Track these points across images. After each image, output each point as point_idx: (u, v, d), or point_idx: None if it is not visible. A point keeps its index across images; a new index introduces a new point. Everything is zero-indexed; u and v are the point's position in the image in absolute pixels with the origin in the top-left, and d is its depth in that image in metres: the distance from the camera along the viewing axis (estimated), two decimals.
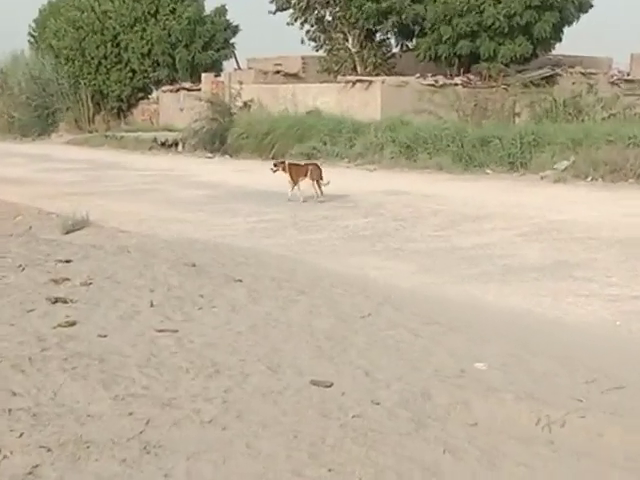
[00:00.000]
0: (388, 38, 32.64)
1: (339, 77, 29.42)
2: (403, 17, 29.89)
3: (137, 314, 7.01)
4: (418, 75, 28.49)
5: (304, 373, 5.57)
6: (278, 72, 33.99)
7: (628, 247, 10.23)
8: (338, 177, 17.84)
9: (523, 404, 5.06)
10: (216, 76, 35.02)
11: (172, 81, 37.66)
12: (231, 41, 38.87)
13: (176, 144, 28.04)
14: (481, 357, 6.05)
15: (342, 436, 4.56)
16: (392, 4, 29.65)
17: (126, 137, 30.81)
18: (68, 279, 8.13)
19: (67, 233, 11.49)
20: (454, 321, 7.14)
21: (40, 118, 37.43)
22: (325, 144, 22.58)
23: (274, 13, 32.74)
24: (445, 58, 29.84)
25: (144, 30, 37.79)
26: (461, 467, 4.37)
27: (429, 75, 28.51)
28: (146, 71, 38.05)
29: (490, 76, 28.55)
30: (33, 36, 43.11)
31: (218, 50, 37.99)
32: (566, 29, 30.61)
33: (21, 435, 4.47)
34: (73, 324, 6.58)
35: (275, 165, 15.08)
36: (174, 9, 37.86)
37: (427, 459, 4.40)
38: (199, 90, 33.05)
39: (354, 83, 27.96)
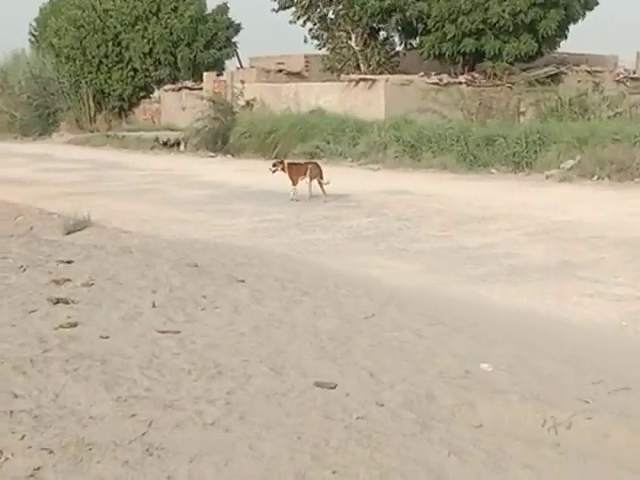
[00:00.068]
0: (392, 36, 32.68)
1: (342, 76, 29.44)
2: (407, 15, 29.90)
3: (139, 315, 7.01)
4: (422, 74, 28.50)
5: (308, 374, 5.57)
6: (281, 71, 34.01)
7: (634, 247, 10.22)
8: (341, 176, 17.84)
9: (529, 405, 5.05)
10: (218, 75, 35.06)
11: (174, 80, 37.69)
12: (233, 40, 38.92)
13: (178, 144, 28.06)
14: (486, 358, 6.05)
15: (346, 438, 4.56)
16: (396, 2, 29.65)
17: (128, 137, 30.83)
18: (70, 280, 8.13)
19: (68, 233, 11.51)
20: (459, 321, 7.14)
21: (41, 117, 37.47)
22: (328, 143, 22.58)
23: (276, 11, 32.79)
24: (449, 56, 29.83)
25: (145, 29, 37.83)
26: (466, 469, 4.37)
27: (433, 74, 28.52)
28: (148, 70, 38.09)
29: (495, 74, 28.56)
30: (34, 35, 43.19)
31: (220, 49, 38.02)
32: (571, 27, 30.63)
33: (23, 437, 4.47)
34: (75, 325, 6.59)
35: (274, 165, 15.05)
36: (176, 7, 37.90)
37: (432, 461, 4.39)
38: (201, 89, 33.08)
39: (357, 82, 27.97)
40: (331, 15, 32.12)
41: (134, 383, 5.30)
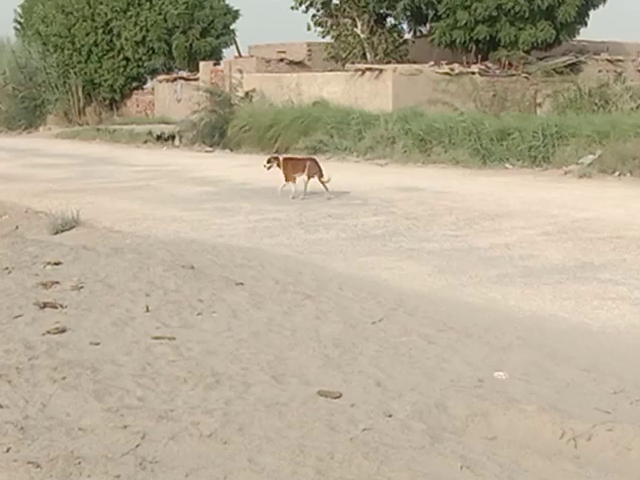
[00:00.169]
0: (400, 23, 32.66)
1: (347, 65, 29.43)
2: (416, 0, 29.88)
3: (132, 320, 7.03)
4: (432, 63, 28.48)
5: (311, 383, 5.57)
6: (282, 60, 34.02)
7: None
8: (346, 172, 17.86)
9: (546, 416, 5.05)
10: (215, 64, 35.07)
11: (168, 70, 37.73)
12: (231, 27, 38.92)
13: (173, 137, 28.07)
14: (500, 365, 6.05)
15: (352, 451, 4.56)
16: None
17: (119, 130, 30.86)
18: (58, 282, 8.15)
19: (56, 233, 11.53)
20: (471, 326, 7.14)
21: (27, 110, 37.50)
22: (332, 137, 22.58)
23: None
24: (461, 44, 29.79)
25: (138, 15, 37.85)
26: None
27: (444, 63, 28.50)
28: (140, 59, 38.11)
29: (510, 64, 28.54)
30: (19, 22, 43.16)
31: (217, 36, 38.04)
32: (591, 13, 30.60)
33: (8, 450, 4.48)
34: (63, 331, 6.60)
35: (269, 161, 15.02)
36: None
37: (443, 475, 4.40)
38: (197, 79, 33.09)
39: (363, 72, 27.97)
40: (335, 0, 32.13)
41: (126, 392, 5.31)
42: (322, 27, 32.73)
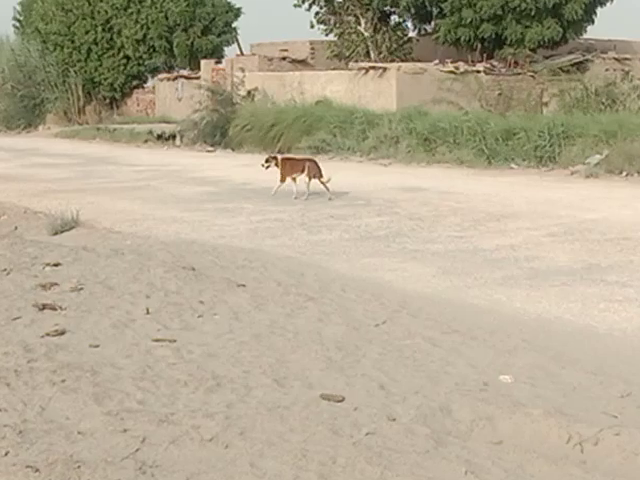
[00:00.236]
0: (404, 21, 32.66)
1: (351, 64, 29.43)
2: None
3: (132, 322, 7.03)
4: (437, 61, 28.49)
5: (313, 386, 5.57)
6: (284, 58, 34.03)
7: None
8: (349, 172, 17.87)
9: (552, 420, 5.05)
10: (217, 63, 35.10)
11: (169, 68, 37.74)
12: (233, 25, 38.96)
13: (174, 137, 28.08)
14: (506, 369, 6.05)
15: (355, 455, 4.56)
16: None
17: (119, 129, 30.88)
18: (57, 284, 8.15)
19: (56, 234, 11.53)
20: (476, 329, 7.13)
21: (26, 109, 37.52)
22: (335, 137, 22.58)
23: None
24: (466, 42, 29.76)
25: (139, 13, 37.87)
26: None
27: (449, 61, 28.50)
28: (141, 57, 38.13)
29: (516, 62, 28.53)
30: (18, 20, 43.22)
31: (219, 34, 38.06)
32: (599, 10, 30.56)
33: (6, 454, 4.48)
34: (62, 333, 6.61)
35: (267, 160, 15.04)
36: None
37: None
38: (198, 78, 33.12)
39: (367, 70, 27.96)
40: None
41: (126, 396, 5.32)
42: (325, 25, 32.75)
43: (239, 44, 38.12)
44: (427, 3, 30.24)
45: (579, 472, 4.59)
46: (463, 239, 11.10)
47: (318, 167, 14.69)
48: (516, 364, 6.18)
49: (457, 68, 27.79)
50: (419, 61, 29.27)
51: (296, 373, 5.83)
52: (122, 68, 38.41)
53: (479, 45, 29.96)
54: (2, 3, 66.90)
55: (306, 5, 32.45)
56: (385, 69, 27.71)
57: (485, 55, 29.78)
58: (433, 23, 31.68)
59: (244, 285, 8.38)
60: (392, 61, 29.84)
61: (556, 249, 10.37)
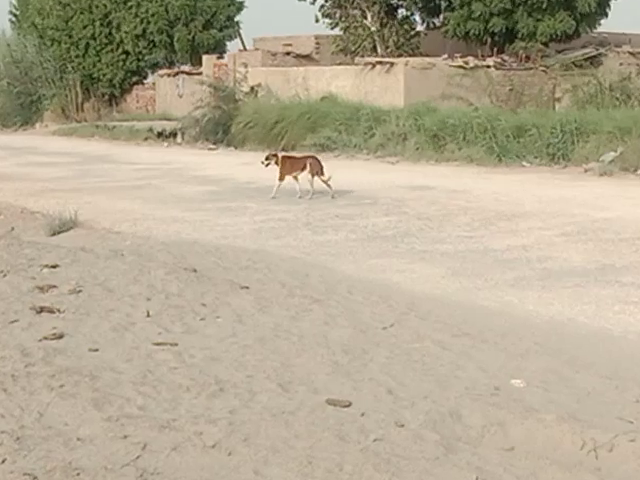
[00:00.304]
0: (412, 14, 32.67)
1: (357, 59, 29.45)
2: None
3: (132, 325, 7.03)
4: (446, 56, 28.48)
5: (319, 391, 5.57)
6: (288, 53, 34.05)
7: None
8: (356, 171, 17.88)
9: (565, 426, 5.05)
10: (219, 58, 35.11)
11: (170, 64, 37.77)
12: (235, 19, 38.96)
13: (174, 135, 28.12)
14: (518, 373, 6.04)
15: (362, 462, 4.56)
16: None
17: (119, 127, 30.93)
18: (55, 286, 8.16)
19: (53, 235, 11.54)
20: (487, 332, 7.13)
21: (23, 106, 37.59)
22: (341, 134, 22.58)
23: None
24: (476, 36, 29.74)
25: (138, 6, 37.90)
26: None
27: (458, 56, 28.49)
28: (141, 53, 38.17)
29: (527, 57, 28.49)
30: (14, 14, 43.28)
31: (221, 29, 38.07)
32: (613, 3, 30.53)
33: (3, 461, 4.49)
34: (61, 337, 6.61)
35: (267, 158, 15.09)
36: None
37: None
38: (200, 74, 33.15)
39: (374, 65, 27.97)
40: None
41: (126, 401, 5.32)
42: (330, 19, 32.75)
43: (242, 39, 38.18)
44: None
45: (593, 479, 4.58)
46: (473, 239, 11.09)
47: (320, 164, 14.72)
48: (528, 368, 6.18)
49: (466, 63, 27.77)
50: (427, 56, 29.26)
51: (301, 377, 5.83)
52: (121, 64, 38.44)
53: (489, 39, 29.93)
54: None
55: None
56: (392, 64, 27.71)
57: (495, 49, 29.74)
58: (442, 16, 31.67)
59: (247, 287, 8.38)
60: (399, 56, 29.84)
61: (569, 249, 10.37)
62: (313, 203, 14.18)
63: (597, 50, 30.04)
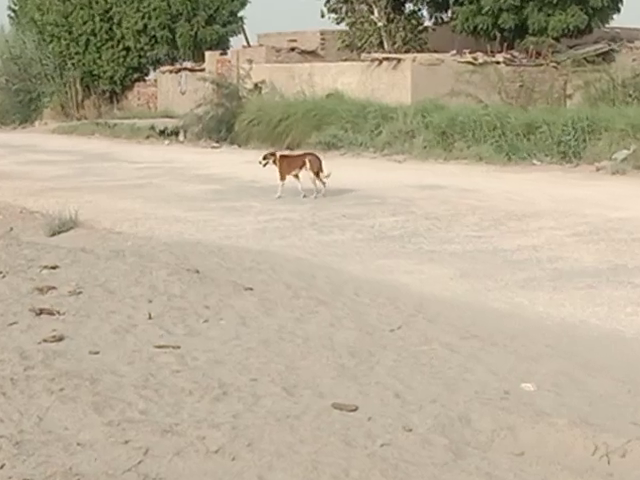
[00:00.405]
0: (419, 9, 32.68)
1: (363, 54, 29.44)
2: None
3: (133, 327, 7.04)
4: (454, 52, 28.47)
5: (324, 395, 5.57)
6: (293, 49, 34.07)
7: None
8: (362, 169, 17.89)
9: (577, 430, 5.04)
10: (222, 54, 35.13)
11: (172, 60, 37.78)
12: (239, 14, 38.98)
13: (177, 133, 28.13)
14: (528, 376, 6.04)
15: (369, 467, 4.56)
16: None
17: (120, 125, 30.95)
18: (54, 288, 8.17)
19: (53, 235, 11.56)
20: (496, 334, 7.13)
21: (22, 103, 37.64)
22: (347, 132, 22.59)
23: None
24: (485, 32, 29.70)
25: (139, 1, 37.93)
26: None
27: (467, 52, 28.47)
28: (142, 49, 38.20)
29: (538, 52, 28.45)
30: (13, 10, 43.32)
31: (224, 24, 38.09)
32: None
33: (2, 467, 4.49)
34: (60, 339, 6.62)
35: (265, 157, 15.11)
36: None
37: None
38: (203, 70, 33.17)
39: (380, 61, 27.97)
40: None
41: (128, 405, 5.32)
42: (336, 14, 32.77)
43: (245, 34, 38.20)
44: None
45: None
46: (482, 239, 11.09)
47: (319, 161, 14.74)
48: (539, 371, 6.18)
49: (475, 59, 27.75)
50: (435, 52, 29.25)
51: (306, 381, 5.84)
52: (122, 60, 38.47)
53: (499, 34, 29.90)
54: None
55: None
56: (399, 60, 27.70)
57: (505, 45, 29.71)
58: (450, 11, 31.63)
59: (251, 288, 8.39)
60: (407, 52, 29.84)
61: (581, 249, 10.36)
62: (319, 202, 14.19)
63: (609, 45, 29.99)
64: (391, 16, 31.53)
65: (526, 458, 4.83)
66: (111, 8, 38.14)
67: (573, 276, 9.13)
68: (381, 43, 31.37)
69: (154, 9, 37.66)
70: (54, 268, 9.03)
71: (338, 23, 32.96)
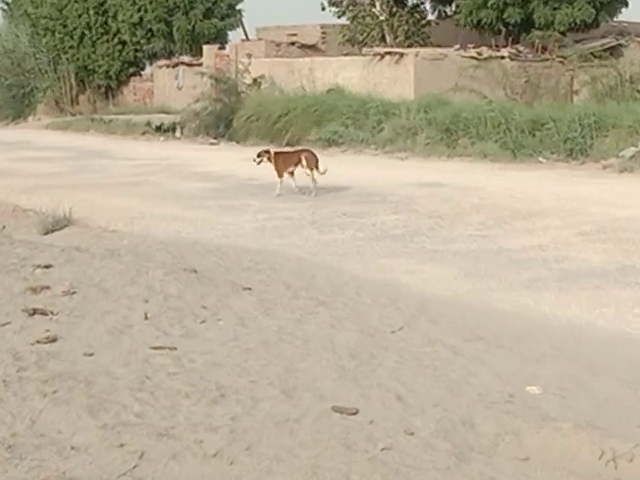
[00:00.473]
0: (422, 3, 32.66)
1: (365, 49, 29.43)
2: None
3: (129, 328, 7.04)
4: (458, 46, 28.44)
5: (325, 398, 5.58)
6: (293, 43, 34.07)
7: None
8: (364, 167, 17.89)
9: (583, 435, 5.04)
10: (220, 48, 35.10)
11: (169, 54, 37.75)
12: (238, 7, 38.90)
13: (174, 129, 28.13)
14: (533, 379, 6.04)
15: (370, 472, 4.56)
16: None
17: (115, 120, 30.93)
18: (48, 287, 8.17)
19: (47, 233, 11.56)
20: (501, 336, 7.13)
21: (15, 99, 37.61)
22: (348, 128, 22.57)
23: None
24: (490, 26, 29.70)
25: None
26: None
27: (471, 46, 28.45)
28: (138, 43, 38.15)
29: (544, 47, 28.44)
30: (6, 3, 43.32)
31: (223, 18, 38.04)
32: None
33: None
34: (54, 340, 6.62)
35: (259, 155, 15.10)
36: None
37: None
38: (200, 65, 33.16)
39: (382, 56, 27.96)
40: None
41: (123, 408, 5.32)
42: (337, 7, 32.76)
43: (244, 28, 38.20)
44: None
45: None
46: (486, 238, 11.09)
47: (315, 158, 14.74)
48: (544, 374, 6.18)
49: (480, 53, 27.73)
50: (438, 46, 29.24)
51: (306, 383, 5.84)
52: (118, 54, 38.43)
53: (504, 28, 29.88)
54: None
55: None
56: (402, 55, 27.69)
57: (510, 39, 29.70)
58: (454, 5, 31.64)
59: (250, 288, 8.39)
60: (409, 46, 29.83)
61: (587, 249, 10.35)
62: (319, 200, 14.19)
63: (617, 40, 29.97)
64: (393, 9, 31.53)
65: (531, 463, 4.84)
66: (106, 1, 38.10)
67: (580, 276, 9.12)
68: (383, 37, 31.37)
69: (150, 2, 37.58)
70: (47, 267, 9.03)
71: (339, 17, 32.97)
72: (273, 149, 16.10)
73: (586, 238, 10.95)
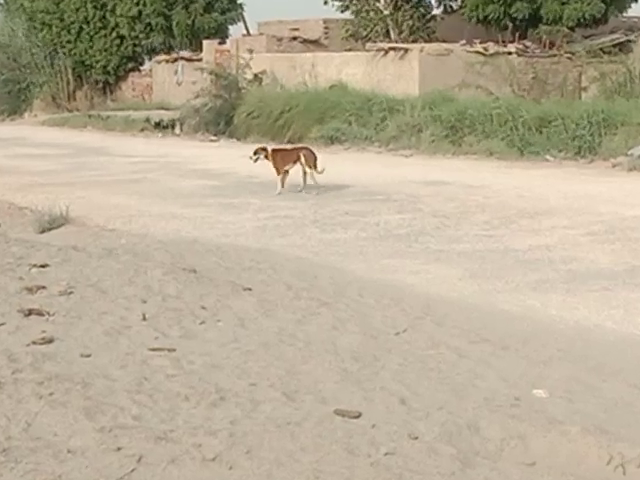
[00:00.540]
0: None
1: (368, 44, 29.43)
2: None
3: (126, 329, 7.04)
4: (464, 42, 28.43)
5: (327, 401, 5.57)
6: (295, 38, 34.05)
7: None
8: (367, 165, 17.89)
9: (591, 439, 5.04)
10: (221, 43, 35.10)
11: (168, 49, 37.74)
12: (239, 1, 38.93)
13: (173, 125, 28.13)
14: (540, 382, 6.04)
15: (372, 477, 4.56)
16: None
17: (113, 117, 30.96)
18: (44, 287, 8.17)
19: (43, 232, 11.57)
20: (507, 338, 7.13)
21: (11, 94, 37.64)
22: (351, 125, 22.57)
23: None
24: (497, 20, 29.68)
25: None
26: None
27: (477, 41, 28.44)
28: (137, 37, 38.17)
29: (551, 43, 28.43)
30: None
31: (223, 12, 38.04)
32: None
33: None
34: (50, 341, 6.62)
35: (255, 152, 15.11)
36: None
37: None
38: (200, 60, 33.16)
39: (386, 51, 27.96)
40: None
41: (120, 410, 5.32)
42: (340, 1, 32.74)
43: (245, 23, 38.18)
44: None
45: None
46: (492, 238, 11.09)
47: (314, 155, 14.74)
48: (551, 377, 6.17)
49: (486, 49, 27.72)
50: (444, 41, 29.22)
51: (308, 386, 5.84)
52: (116, 49, 38.44)
53: (511, 24, 29.86)
54: None
55: None
56: (406, 50, 27.68)
57: (517, 34, 29.67)
58: None
59: (250, 289, 8.39)
60: (414, 41, 29.82)
61: (596, 250, 10.35)
62: (321, 199, 14.19)
63: (626, 36, 29.95)
64: (398, 4, 31.51)
65: (537, 468, 4.83)
66: None
67: (588, 278, 9.12)
68: (387, 32, 31.36)
69: None
70: (44, 267, 9.03)
71: (342, 11, 32.94)
72: (270, 146, 16.11)
73: (594, 238, 10.95)
